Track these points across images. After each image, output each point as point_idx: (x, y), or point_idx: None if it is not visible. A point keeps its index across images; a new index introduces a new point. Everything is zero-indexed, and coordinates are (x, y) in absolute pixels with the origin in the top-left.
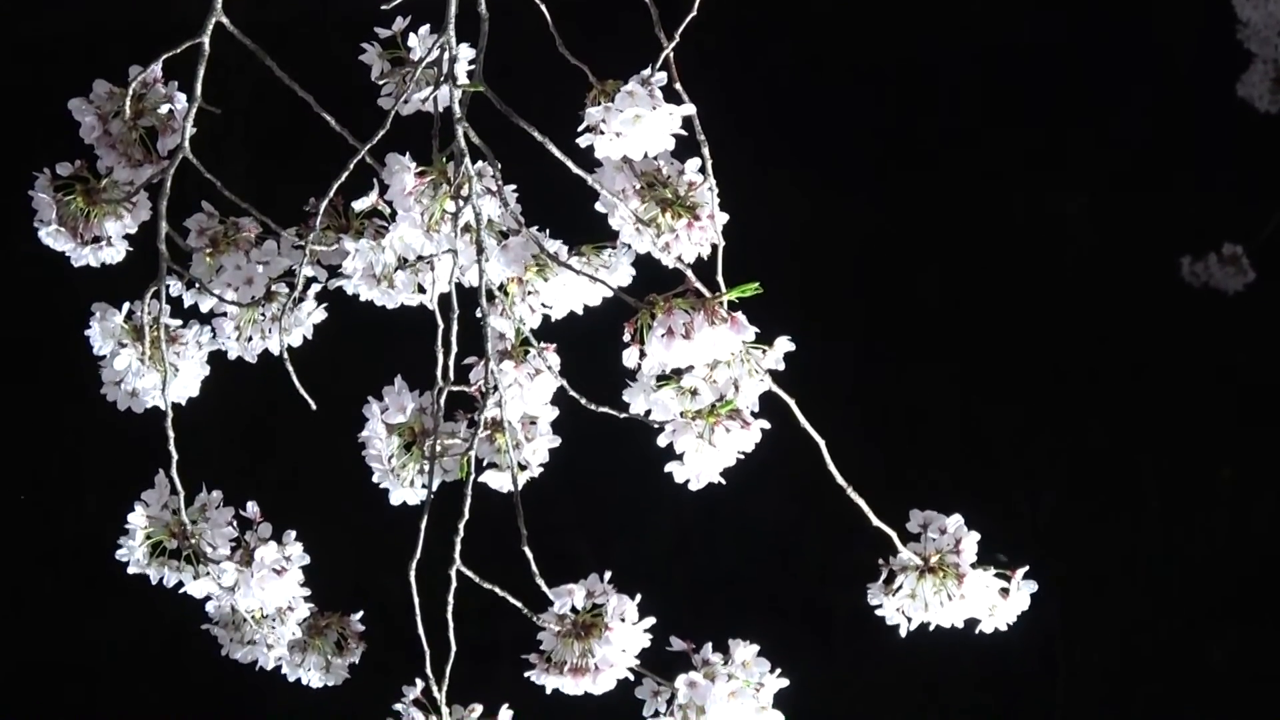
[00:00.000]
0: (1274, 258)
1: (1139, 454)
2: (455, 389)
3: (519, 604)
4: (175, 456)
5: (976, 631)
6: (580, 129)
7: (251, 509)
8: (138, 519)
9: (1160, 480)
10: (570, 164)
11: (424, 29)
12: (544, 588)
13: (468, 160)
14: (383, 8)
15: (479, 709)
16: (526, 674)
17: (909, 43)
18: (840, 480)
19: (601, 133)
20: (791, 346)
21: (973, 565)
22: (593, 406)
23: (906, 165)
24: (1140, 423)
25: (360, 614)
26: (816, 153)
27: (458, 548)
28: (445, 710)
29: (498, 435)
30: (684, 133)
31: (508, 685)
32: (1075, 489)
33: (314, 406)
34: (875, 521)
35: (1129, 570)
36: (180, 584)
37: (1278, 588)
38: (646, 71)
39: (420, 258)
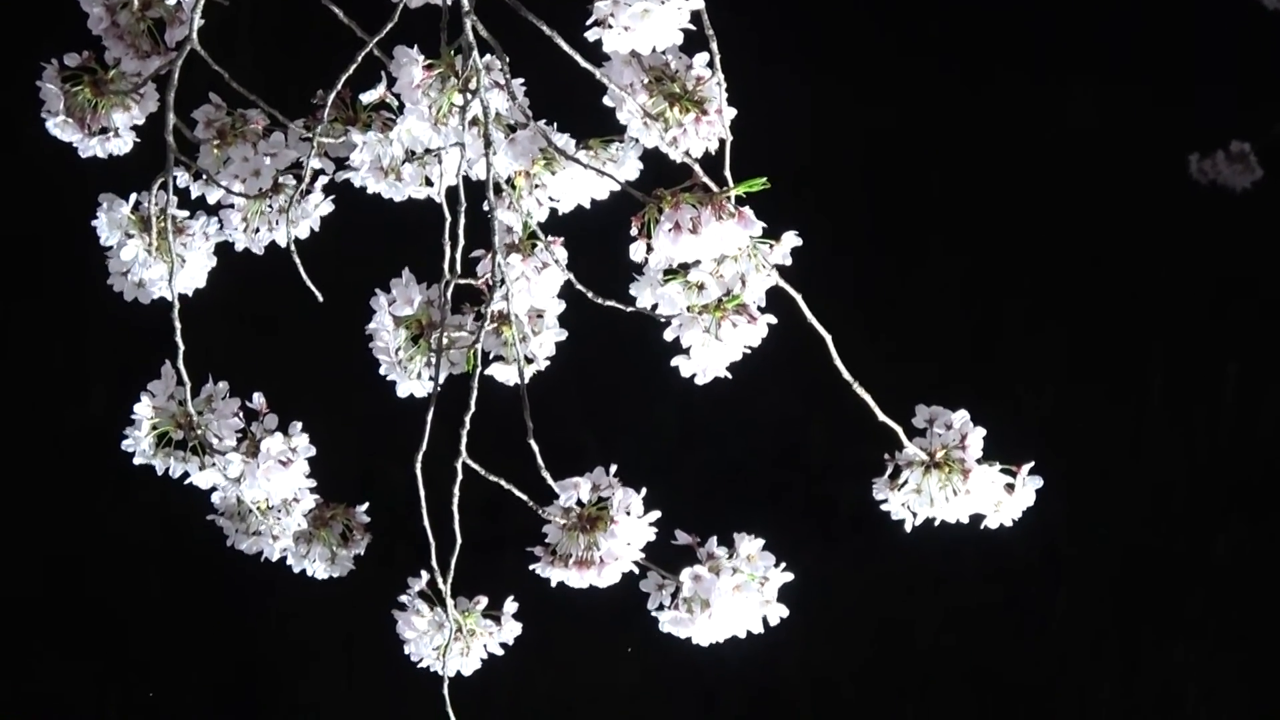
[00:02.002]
0: None
1: (1145, 350)
2: (462, 282)
3: (524, 497)
4: (182, 348)
5: (981, 527)
6: (588, 22)
7: (258, 400)
8: (144, 410)
9: (1165, 376)
10: (578, 58)
11: None
12: (549, 481)
13: (476, 53)
14: None
15: (484, 601)
16: (531, 567)
17: None
18: (846, 375)
19: (610, 26)
20: (798, 242)
21: (978, 461)
22: (599, 300)
23: (914, 61)
24: (1146, 319)
25: (365, 506)
26: (824, 48)
27: (464, 440)
28: (450, 602)
29: (504, 328)
30: (692, 27)
31: (512, 578)
32: (1080, 382)
33: (321, 299)
34: (881, 416)
35: (1133, 465)
36: (186, 475)
37: None
38: None
39: (428, 151)
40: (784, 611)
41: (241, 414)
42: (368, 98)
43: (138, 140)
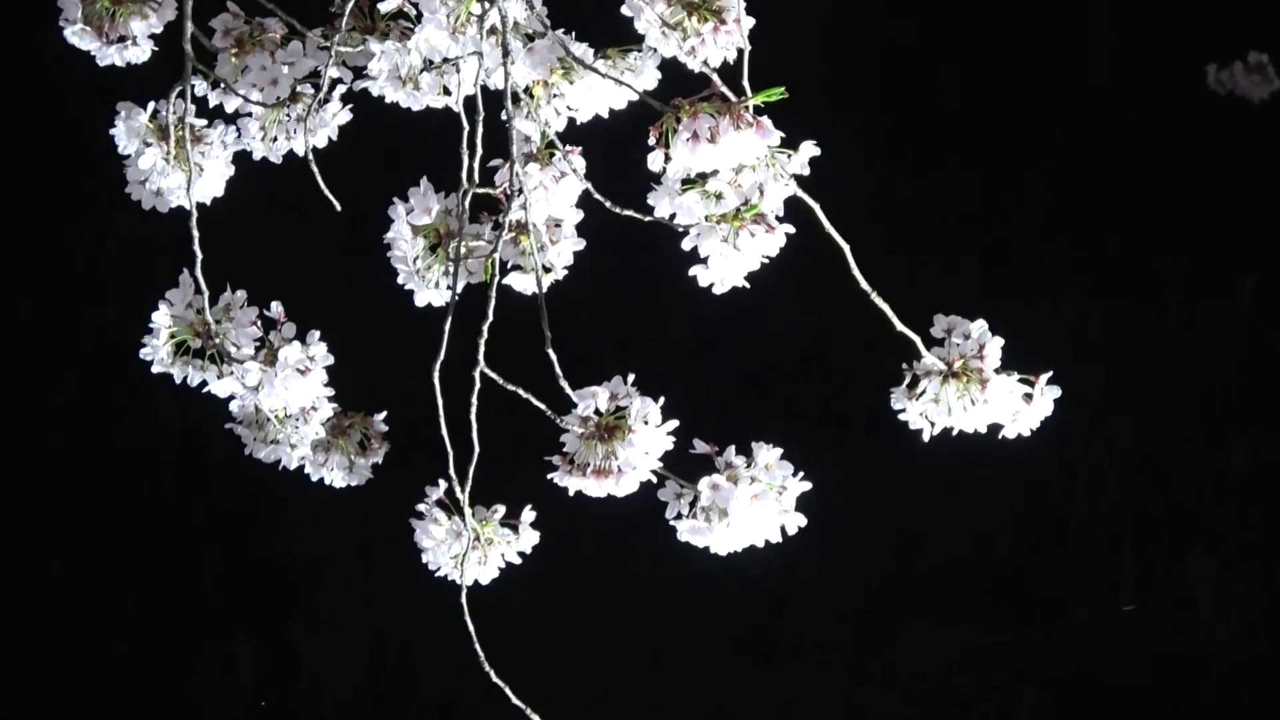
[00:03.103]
0: None
1: (1162, 260)
2: (480, 191)
3: (542, 406)
4: (200, 256)
5: (999, 437)
6: None
7: (276, 309)
8: (162, 318)
9: (1183, 287)
10: None
11: None
12: (567, 390)
13: None
14: None
15: (501, 510)
16: (549, 476)
17: None
18: (864, 285)
19: None
20: (816, 151)
21: (996, 370)
22: (617, 210)
23: None
24: (1164, 229)
25: (383, 414)
26: None
27: (481, 350)
28: (468, 511)
29: (522, 238)
30: None
31: (530, 487)
32: (1097, 294)
33: (339, 208)
34: (899, 326)
35: (1151, 375)
36: (204, 383)
37: None
38: None
39: (446, 60)
40: (802, 521)
41: (259, 323)
42: (386, 6)
43: (155, 49)
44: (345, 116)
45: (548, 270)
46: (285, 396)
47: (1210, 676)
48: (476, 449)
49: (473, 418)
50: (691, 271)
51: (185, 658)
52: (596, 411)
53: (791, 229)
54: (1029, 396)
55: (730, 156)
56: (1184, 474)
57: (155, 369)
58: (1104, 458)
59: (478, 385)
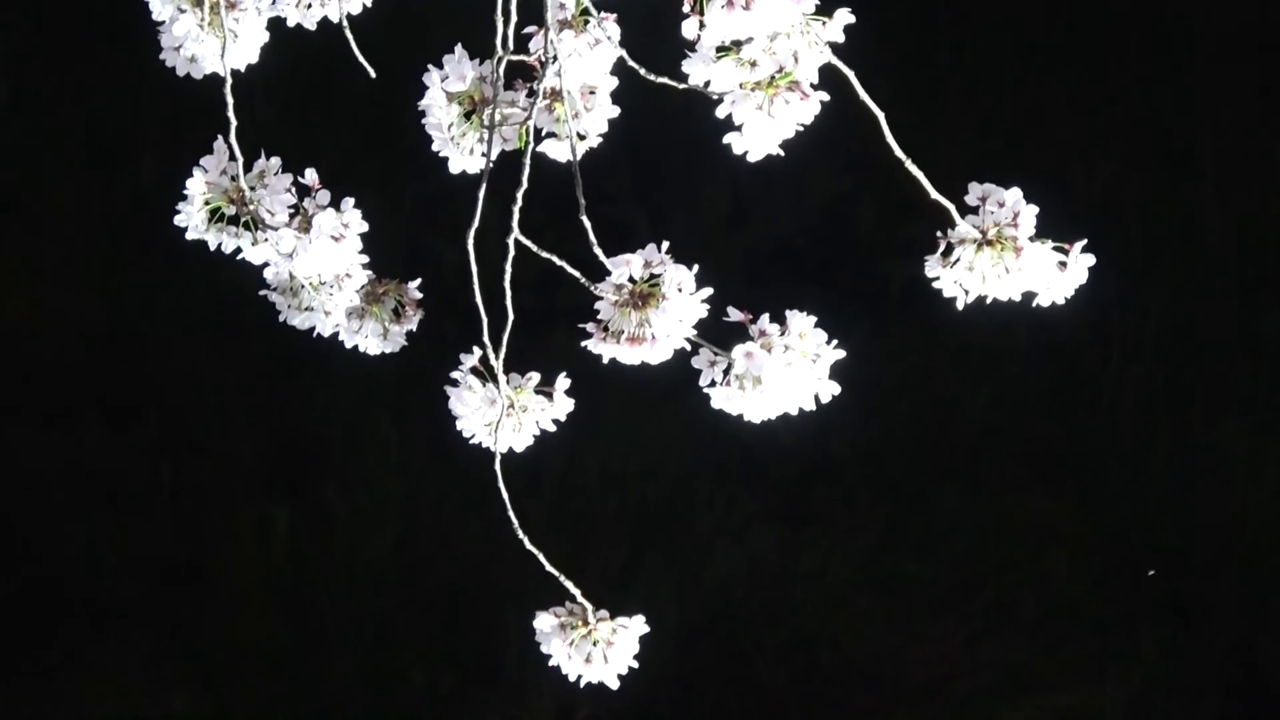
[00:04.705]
0: None
1: (1197, 126)
2: (515, 58)
3: (576, 273)
4: (234, 123)
5: (1033, 305)
6: None
7: (310, 176)
8: (196, 185)
9: (1218, 153)
10: None
11: None
12: (601, 257)
13: None
14: None
15: (536, 377)
16: (583, 343)
17: None
18: (899, 152)
19: None
20: (851, 19)
21: (1030, 238)
22: (652, 77)
23: None
24: (1199, 95)
25: (418, 281)
26: None
27: (515, 217)
28: (502, 378)
29: (557, 105)
30: None
31: (564, 355)
32: (1132, 161)
33: (373, 74)
34: (933, 194)
35: (1184, 242)
36: (238, 250)
37: None
38: None
39: None
40: (836, 388)
41: (294, 189)
42: None
43: None
44: None
45: (582, 137)
46: (319, 263)
47: (1243, 541)
48: (511, 316)
49: (507, 285)
50: (726, 139)
51: (220, 523)
52: (630, 279)
53: (826, 96)
54: (1063, 264)
55: (765, 23)
56: (1217, 340)
57: (190, 236)
58: (1138, 324)
59: (512, 252)
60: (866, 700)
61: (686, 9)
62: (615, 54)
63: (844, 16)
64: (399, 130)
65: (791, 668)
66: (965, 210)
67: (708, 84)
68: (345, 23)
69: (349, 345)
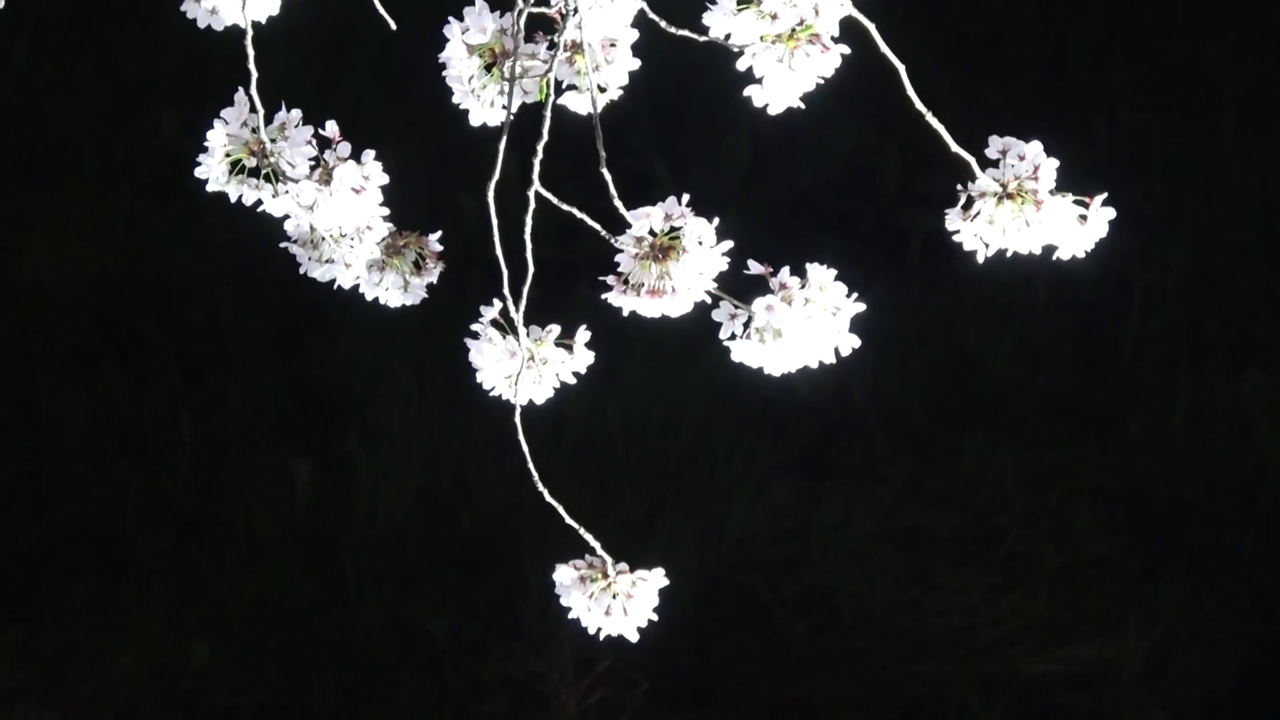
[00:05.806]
0: None
1: (1219, 77)
2: (535, 10)
3: (597, 226)
4: (255, 75)
5: (1054, 258)
6: None
7: (331, 128)
8: (217, 137)
9: (1239, 105)
10: None
11: None
12: (622, 210)
13: None
14: None
15: (556, 329)
16: (604, 295)
17: None
18: (919, 105)
19: None
20: None
21: (1051, 191)
22: (673, 30)
23: None
24: (1220, 45)
25: (438, 234)
26: None
27: (536, 169)
28: (522, 330)
29: (577, 57)
30: None
31: (585, 306)
32: (1154, 114)
33: (394, 26)
34: (954, 147)
35: (1206, 195)
36: (259, 202)
37: None
38: None
39: None
40: (856, 341)
41: (314, 141)
42: None
43: None
44: None
45: (603, 90)
46: (340, 215)
47: (1263, 493)
48: (531, 268)
49: (527, 237)
50: (746, 92)
51: (242, 474)
52: (651, 231)
53: (846, 49)
54: (1084, 218)
55: None
56: (1238, 293)
57: (211, 187)
58: (1159, 277)
59: (532, 205)
60: (886, 651)
61: None
62: (636, 6)
63: None
64: (419, 82)
65: (811, 619)
66: (986, 163)
67: (728, 36)
68: None
69: (369, 297)
